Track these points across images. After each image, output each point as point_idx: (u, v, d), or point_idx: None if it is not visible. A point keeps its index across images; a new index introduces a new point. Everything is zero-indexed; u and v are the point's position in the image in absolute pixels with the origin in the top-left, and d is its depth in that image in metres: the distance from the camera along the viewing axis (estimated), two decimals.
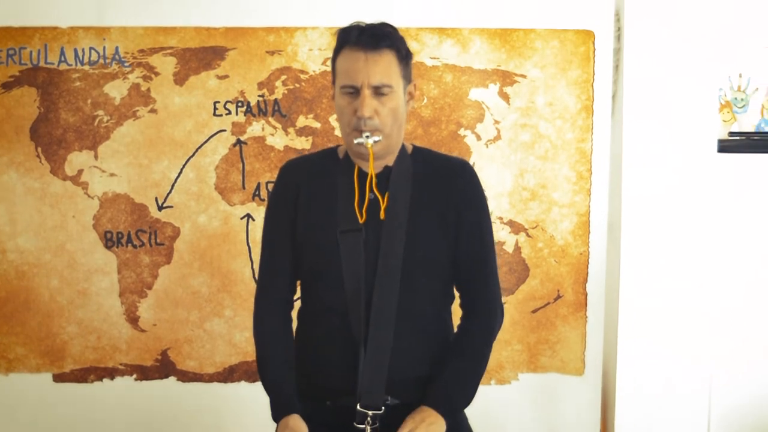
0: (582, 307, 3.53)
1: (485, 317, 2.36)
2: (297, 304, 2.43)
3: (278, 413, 2.26)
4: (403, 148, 2.33)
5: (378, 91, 2.16)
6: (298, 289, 2.42)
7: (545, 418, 3.62)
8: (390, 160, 2.30)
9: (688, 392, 3.60)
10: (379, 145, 2.20)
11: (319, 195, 2.30)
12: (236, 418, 3.59)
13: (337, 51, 2.23)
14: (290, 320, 2.42)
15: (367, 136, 2.17)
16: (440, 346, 2.34)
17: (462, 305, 2.39)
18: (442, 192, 2.30)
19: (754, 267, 3.67)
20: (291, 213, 2.33)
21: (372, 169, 2.24)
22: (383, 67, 2.15)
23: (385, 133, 2.20)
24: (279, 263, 2.37)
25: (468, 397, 2.29)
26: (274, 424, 2.40)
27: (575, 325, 3.54)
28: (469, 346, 2.33)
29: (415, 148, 2.38)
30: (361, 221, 2.23)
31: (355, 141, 2.19)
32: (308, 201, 2.31)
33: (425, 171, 2.32)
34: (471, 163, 3.41)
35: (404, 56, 2.23)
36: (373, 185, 2.25)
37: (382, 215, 2.24)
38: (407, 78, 2.25)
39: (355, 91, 2.17)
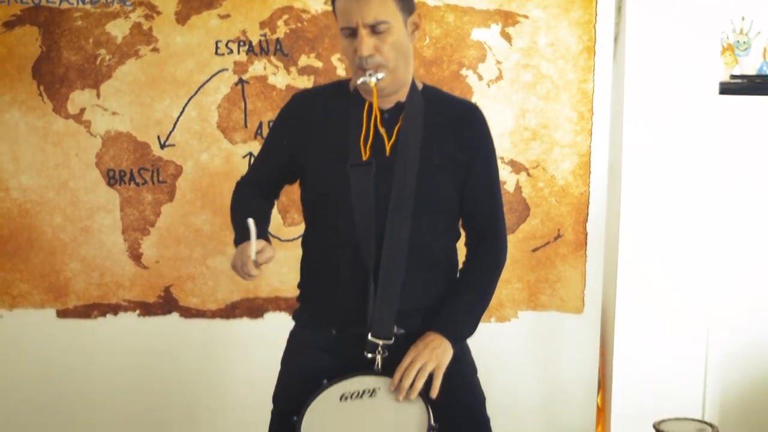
0: (582, 246, 3.55)
1: (493, 253, 2.40)
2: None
3: (236, 240, 2.33)
4: (413, 85, 2.33)
5: (375, 29, 2.15)
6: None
7: (544, 356, 3.66)
8: (401, 95, 2.30)
9: (686, 330, 3.63)
10: (385, 80, 2.20)
11: (329, 128, 2.32)
12: (238, 354, 3.63)
13: None
14: (268, 205, 2.53)
15: (370, 74, 2.17)
16: (447, 280, 2.38)
17: (468, 242, 2.43)
18: (452, 132, 2.31)
19: (753, 209, 3.68)
20: (291, 141, 2.36)
21: (376, 107, 2.25)
22: (376, 4, 2.14)
23: (389, 68, 2.20)
24: (264, 173, 2.50)
25: (473, 326, 2.33)
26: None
27: (575, 264, 3.57)
28: (476, 278, 2.38)
29: (425, 87, 2.39)
30: (365, 157, 2.25)
31: (359, 80, 2.20)
32: (317, 133, 2.32)
33: (437, 109, 2.33)
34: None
35: None
36: (378, 123, 2.26)
37: (387, 151, 2.25)
38: (407, 9, 2.23)
39: (353, 32, 2.17)
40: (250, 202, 2.48)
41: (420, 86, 2.37)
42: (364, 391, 2.18)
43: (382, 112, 2.28)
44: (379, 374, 2.21)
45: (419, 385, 2.14)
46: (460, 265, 2.43)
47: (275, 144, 2.45)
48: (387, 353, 2.23)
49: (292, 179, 2.48)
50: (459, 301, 2.32)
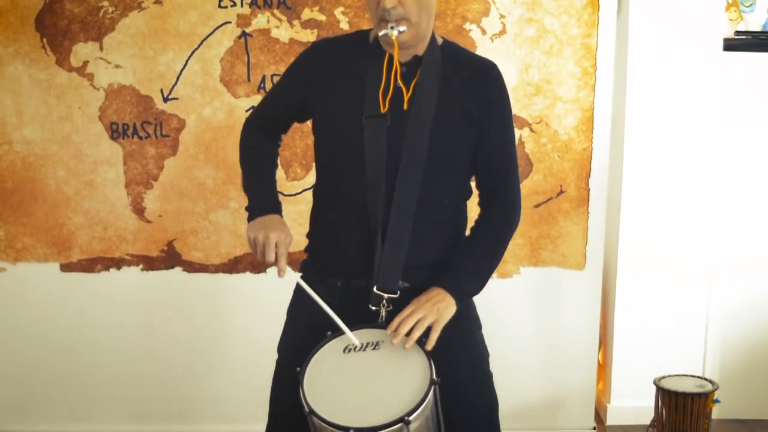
0: (584, 202, 3.56)
1: (506, 213, 2.39)
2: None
3: (252, 212, 2.33)
4: (433, 39, 2.30)
5: None
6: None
7: (546, 312, 3.67)
8: (420, 49, 2.27)
9: (687, 287, 3.64)
10: (406, 34, 2.18)
11: (347, 77, 2.29)
12: (241, 308, 3.65)
13: None
14: (276, 146, 2.52)
15: (392, 27, 2.15)
16: (455, 236, 2.37)
17: (481, 201, 2.40)
18: (470, 89, 2.29)
19: (755, 164, 3.69)
20: (308, 83, 2.34)
21: (397, 60, 2.23)
22: None
23: (412, 22, 2.17)
24: (276, 110, 2.49)
25: (479, 285, 2.30)
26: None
27: (577, 220, 3.57)
28: (485, 238, 2.35)
29: (445, 42, 2.36)
30: (383, 110, 2.23)
31: (380, 33, 2.18)
32: (335, 80, 2.30)
33: (454, 65, 2.30)
34: None
35: None
36: (398, 76, 2.25)
37: (405, 105, 2.24)
38: None
39: None
40: (261, 149, 2.48)
41: (440, 41, 2.35)
42: (367, 344, 2.18)
43: (400, 65, 2.27)
44: (382, 327, 2.20)
45: (416, 335, 2.13)
46: (471, 223, 2.42)
47: (292, 83, 2.42)
48: (391, 307, 2.23)
49: (303, 119, 2.48)
50: (466, 259, 2.31)
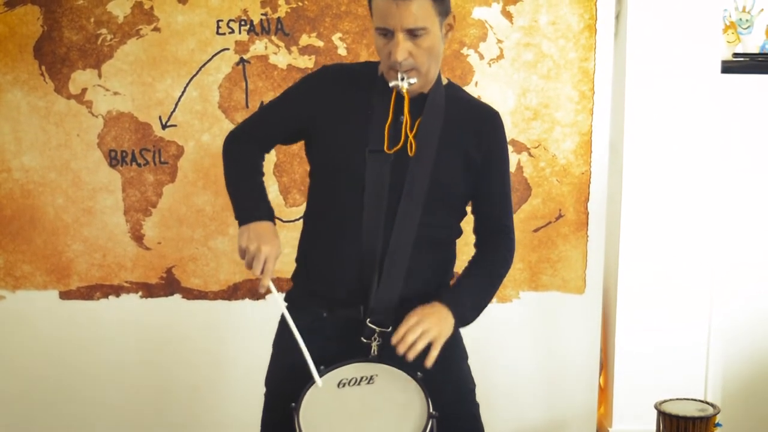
0: (583, 226, 3.55)
1: (504, 250, 2.41)
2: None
3: (244, 217, 2.28)
4: (439, 78, 2.31)
5: (412, 33, 2.11)
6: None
7: (546, 336, 3.65)
8: (426, 88, 2.28)
9: (688, 310, 3.63)
10: (415, 84, 2.19)
11: (353, 109, 2.29)
12: (240, 335, 3.63)
13: None
14: (262, 159, 2.45)
15: (403, 78, 2.15)
16: (445, 273, 2.39)
17: (477, 242, 2.42)
18: (472, 133, 2.30)
19: (755, 187, 3.68)
20: (310, 109, 2.32)
21: (407, 115, 2.23)
22: (416, 10, 2.09)
23: (421, 72, 2.18)
24: (268, 129, 2.44)
25: (476, 313, 2.30)
26: None
27: (576, 244, 3.56)
28: (486, 267, 2.37)
29: (450, 84, 2.38)
30: (389, 152, 2.23)
31: (391, 84, 2.17)
32: (340, 110, 2.30)
33: (458, 108, 2.31)
34: (474, 82, 3.44)
35: None
36: (408, 129, 2.25)
37: (410, 152, 2.23)
38: (444, 13, 2.19)
39: (389, 33, 2.13)
40: (250, 159, 2.43)
41: (445, 81, 2.36)
42: (362, 378, 2.17)
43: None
44: (375, 361, 2.20)
45: (420, 346, 2.11)
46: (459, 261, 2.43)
47: (295, 103, 2.39)
48: (382, 341, 2.23)
49: (294, 140, 2.46)
50: (466, 286, 2.31)
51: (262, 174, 2.43)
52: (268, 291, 2.19)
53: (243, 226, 2.25)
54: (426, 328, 2.14)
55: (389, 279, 2.22)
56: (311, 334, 2.22)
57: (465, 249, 2.39)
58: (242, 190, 2.37)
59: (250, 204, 2.31)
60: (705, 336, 3.67)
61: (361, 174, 2.22)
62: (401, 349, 2.11)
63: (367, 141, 2.24)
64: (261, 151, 2.46)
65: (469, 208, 2.41)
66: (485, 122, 2.34)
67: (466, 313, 2.28)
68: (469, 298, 2.29)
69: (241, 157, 2.42)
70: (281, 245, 2.23)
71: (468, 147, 2.29)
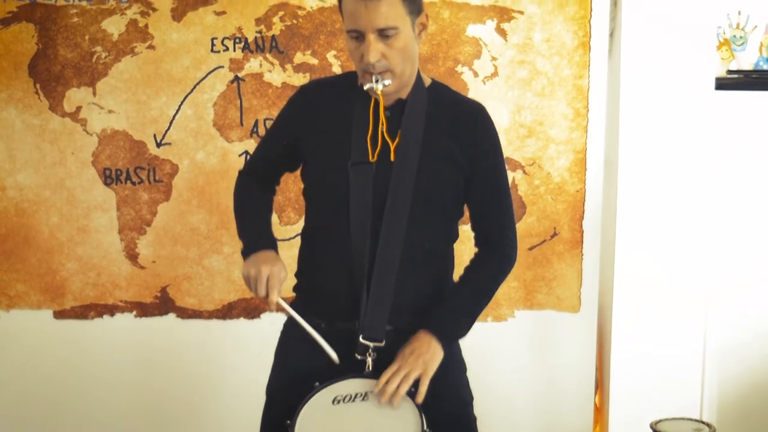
0: (578, 244, 3.54)
1: (498, 257, 2.39)
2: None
3: (248, 250, 2.31)
4: (419, 81, 2.29)
5: (383, 33, 2.11)
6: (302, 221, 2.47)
7: (541, 355, 3.64)
8: (404, 93, 2.26)
9: (683, 328, 3.61)
10: (390, 86, 2.17)
11: (334, 121, 2.28)
12: (235, 354, 3.62)
13: None
14: (270, 194, 2.54)
15: (377, 80, 2.14)
16: (441, 281, 2.37)
17: (477, 243, 2.41)
18: (456, 133, 2.28)
19: (750, 205, 3.67)
20: (297, 129, 2.34)
21: (383, 115, 2.22)
22: (385, 10, 2.09)
23: (396, 74, 2.16)
24: (268, 160, 2.49)
25: (467, 327, 2.30)
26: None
27: (571, 263, 3.55)
28: (476, 279, 2.36)
29: (434, 84, 2.35)
30: (372, 160, 2.22)
31: (365, 86, 2.17)
32: (323, 125, 2.30)
33: (440, 109, 2.29)
34: None
35: None
36: (385, 132, 2.24)
37: (392, 157, 2.22)
38: (416, 11, 2.17)
39: (360, 36, 2.13)
40: (256, 197, 2.49)
41: (428, 82, 2.34)
42: (356, 395, 2.18)
43: (384, 109, 2.24)
44: (370, 377, 2.20)
45: (402, 391, 2.12)
46: (459, 265, 2.42)
47: (281, 129, 2.43)
48: (377, 355, 2.22)
49: (293, 167, 2.47)
50: (456, 300, 2.31)
51: (270, 209, 2.50)
52: (279, 308, 2.21)
53: (246, 260, 2.29)
54: (409, 369, 2.15)
55: (378, 294, 2.22)
56: (312, 347, 2.24)
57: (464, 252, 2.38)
58: (247, 227, 2.42)
59: (253, 238, 2.36)
60: (701, 355, 3.66)
61: (345, 186, 2.22)
62: (383, 400, 2.12)
63: (350, 154, 2.24)
64: (270, 185, 2.53)
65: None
66: (469, 120, 2.31)
67: (455, 333, 2.29)
68: (457, 317, 2.29)
69: (247, 194, 2.49)
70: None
71: (451, 147, 2.26)
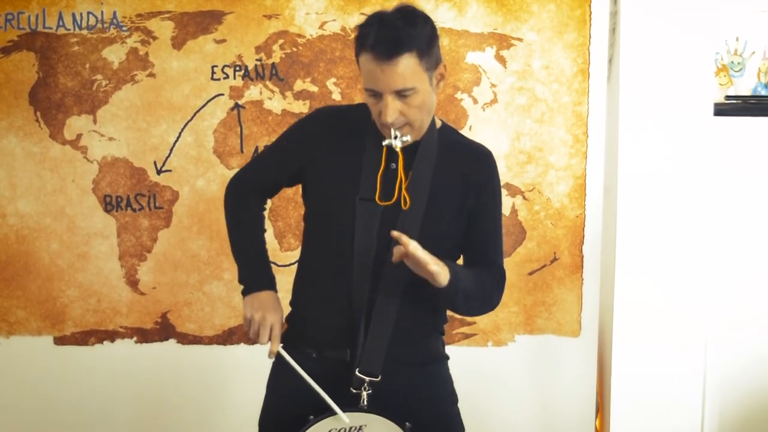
0: (578, 269, 3.55)
1: (493, 274, 2.37)
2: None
3: (249, 286, 2.35)
4: (432, 124, 2.30)
5: (401, 94, 2.11)
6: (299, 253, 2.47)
7: (542, 380, 3.64)
8: (418, 136, 2.26)
9: (684, 352, 3.62)
10: (407, 141, 2.19)
11: (345, 155, 2.28)
12: (235, 380, 3.62)
13: (357, 49, 2.16)
14: (263, 209, 2.51)
15: (396, 137, 2.14)
16: (440, 318, 2.40)
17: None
18: (464, 176, 2.30)
19: (749, 229, 3.68)
20: (304, 153, 2.33)
21: (401, 172, 2.22)
22: (402, 72, 2.08)
23: (414, 127, 2.18)
24: (267, 175, 2.47)
25: (465, 295, 2.22)
26: None
27: (571, 287, 3.56)
28: (480, 273, 2.30)
29: (444, 126, 2.36)
30: (378, 200, 2.22)
31: (384, 143, 2.17)
32: (332, 155, 2.30)
33: (450, 153, 2.30)
34: (468, 126, 3.45)
35: (427, 47, 2.12)
36: (404, 186, 2.23)
37: (403, 205, 2.22)
38: (433, 66, 2.15)
39: (377, 94, 2.13)
40: (250, 214, 2.47)
41: (439, 124, 2.35)
42: (351, 428, 2.19)
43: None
44: (364, 411, 2.20)
45: (410, 249, 2.07)
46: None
47: (291, 146, 2.40)
48: (371, 390, 2.23)
49: (294, 183, 2.45)
50: (467, 272, 2.25)
51: (264, 228, 2.48)
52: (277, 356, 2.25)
53: (247, 297, 2.33)
54: (420, 250, 2.09)
55: (377, 329, 2.23)
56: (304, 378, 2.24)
57: None
58: (244, 253, 2.43)
59: (253, 273, 2.39)
60: (701, 379, 3.66)
61: (351, 221, 2.23)
62: (396, 257, 2.10)
63: (358, 188, 2.24)
64: (263, 197, 2.51)
65: None
66: (477, 166, 2.34)
67: (460, 287, 2.19)
68: (467, 277, 2.23)
69: (243, 209, 2.47)
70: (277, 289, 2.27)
71: (460, 191, 2.29)
